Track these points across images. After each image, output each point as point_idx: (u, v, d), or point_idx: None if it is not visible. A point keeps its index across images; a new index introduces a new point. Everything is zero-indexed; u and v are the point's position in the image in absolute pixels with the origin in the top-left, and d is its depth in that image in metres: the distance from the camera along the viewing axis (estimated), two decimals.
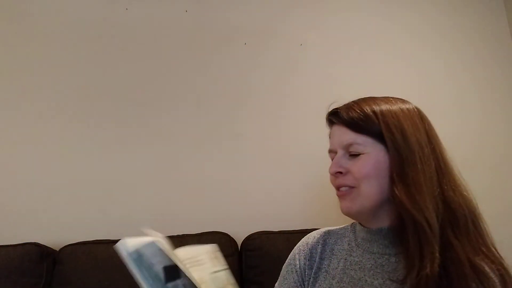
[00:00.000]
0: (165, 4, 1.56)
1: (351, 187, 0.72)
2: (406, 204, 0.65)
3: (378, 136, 0.70)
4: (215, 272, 0.63)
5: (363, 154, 0.71)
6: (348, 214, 0.73)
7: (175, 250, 0.59)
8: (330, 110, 0.78)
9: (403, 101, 0.76)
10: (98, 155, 1.41)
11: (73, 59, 1.46)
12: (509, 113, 1.76)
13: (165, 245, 0.49)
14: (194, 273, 0.57)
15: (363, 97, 0.77)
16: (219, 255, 0.68)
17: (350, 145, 0.72)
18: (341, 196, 0.74)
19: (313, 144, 1.50)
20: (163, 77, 1.51)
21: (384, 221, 0.72)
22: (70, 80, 1.45)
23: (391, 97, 0.77)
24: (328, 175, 0.76)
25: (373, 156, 0.70)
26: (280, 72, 1.61)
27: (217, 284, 0.61)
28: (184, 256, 0.60)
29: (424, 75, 1.71)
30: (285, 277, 0.84)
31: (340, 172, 0.73)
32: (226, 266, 0.66)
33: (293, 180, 1.52)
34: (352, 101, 0.76)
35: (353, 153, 0.72)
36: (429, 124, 0.75)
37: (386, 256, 0.71)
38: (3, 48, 1.42)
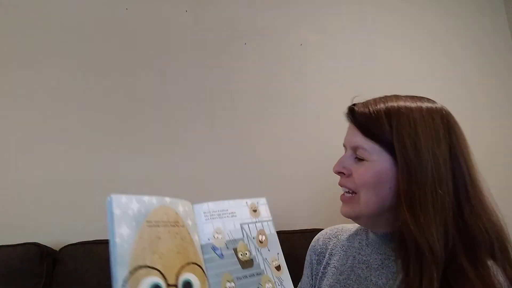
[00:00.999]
0: (165, 4, 1.55)
1: (353, 192, 0.71)
2: (409, 225, 0.61)
3: (388, 145, 0.66)
4: (245, 223, 0.65)
5: (367, 161, 0.68)
6: (346, 217, 0.73)
7: (206, 203, 0.63)
8: (351, 104, 0.74)
9: (429, 102, 0.69)
10: (98, 155, 1.41)
11: (72, 58, 1.46)
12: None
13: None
14: (218, 224, 0.61)
15: (386, 95, 0.72)
16: (263, 208, 0.68)
17: (357, 148, 0.70)
18: (342, 199, 0.74)
19: (313, 144, 1.51)
20: (162, 76, 1.51)
21: (386, 227, 0.72)
22: (69, 80, 1.44)
23: (417, 98, 0.70)
24: (329, 175, 0.76)
25: (377, 165, 0.67)
26: (280, 72, 1.61)
27: (244, 234, 0.63)
28: (214, 208, 0.64)
29: (424, 75, 1.71)
30: (303, 272, 0.87)
31: (343, 173, 0.72)
32: (266, 218, 0.67)
33: (293, 180, 1.52)
34: (373, 99, 0.71)
35: (359, 156, 0.69)
36: (456, 134, 0.67)
37: (392, 258, 0.70)
38: (3, 48, 1.42)
